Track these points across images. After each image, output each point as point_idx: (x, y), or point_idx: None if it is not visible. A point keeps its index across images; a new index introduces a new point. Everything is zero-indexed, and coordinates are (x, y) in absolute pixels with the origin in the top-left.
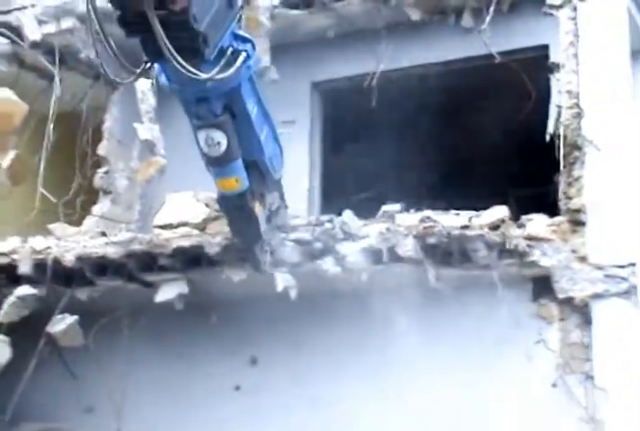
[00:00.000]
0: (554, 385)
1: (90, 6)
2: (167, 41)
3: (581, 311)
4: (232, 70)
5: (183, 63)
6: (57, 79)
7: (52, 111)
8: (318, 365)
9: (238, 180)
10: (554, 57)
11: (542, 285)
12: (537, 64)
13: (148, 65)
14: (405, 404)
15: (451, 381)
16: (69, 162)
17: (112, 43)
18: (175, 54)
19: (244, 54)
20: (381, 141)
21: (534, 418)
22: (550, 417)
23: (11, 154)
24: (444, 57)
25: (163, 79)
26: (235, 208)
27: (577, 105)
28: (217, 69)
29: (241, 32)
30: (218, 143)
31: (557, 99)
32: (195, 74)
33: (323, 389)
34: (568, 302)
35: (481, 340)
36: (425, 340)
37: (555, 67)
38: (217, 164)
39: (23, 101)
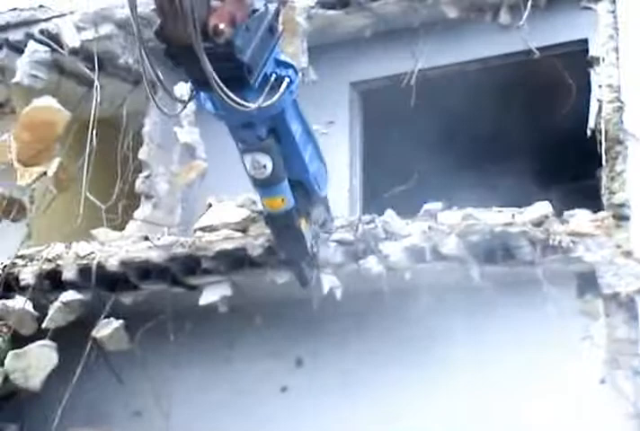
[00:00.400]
0: (602, 381)
1: (142, 50)
2: (214, 74)
3: (626, 306)
4: (276, 97)
5: (230, 94)
6: (96, 85)
7: (93, 118)
8: (363, 366)
9: (284, 200)
10: (593, 51)
11: (587, 281)
12: (577, 58)
13: (194, 93)
14: (451, 402)
15: (497, 379)
16: (110, 167)
17: (159, 73)
18: (223, 86)
19: (287, 80)
20: (421, 139)
21: (582, 415)
22: (598, 413)
23: (55, 162)
24: (482, 54)
25: (209, 106)
26: (281, 226)
27: (618, 99)
28: (262, 98)
29: (283, 57)
30: (264, 166)
31: (598, 93)
32: (242, 105)
33: (368, 389)
34: (614, 297)
35: (526, 338)
36: (470, 339)
37: (595, 61)
38: (264, 186)
39: (64, 108)
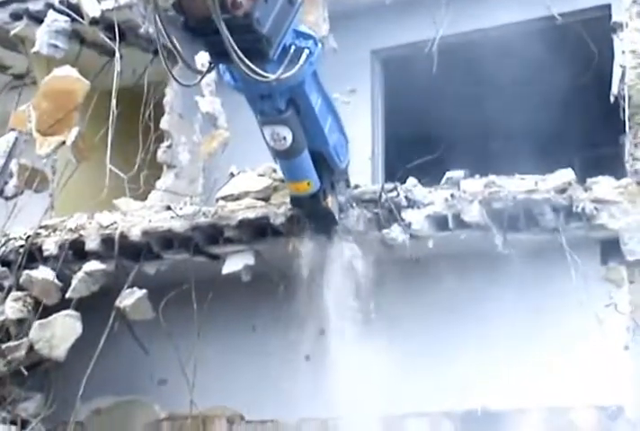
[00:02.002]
0: (626, 348)
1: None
2: (234, 45)
3: None
4: (296, 68)
5: (251, 65)
6: (117, 55)
7: (114, 87)
8: (386, 334)
9: (310, 184)
10: (616, 16)
11: (610, 248)
12: (600, 24)
13: (213, 65)
14: (470, 371)
15: (521, 346)
16: (132, 137)
17: (176, 43)
18: (243, 57)
19: (306, 51)
20: (442, 107)
21: (606, 381)
22: (622, 379)
23: (74, 131)
24: (504, 20)
25: (227, 78)
26: (308, 208)
27: None
28: (281, 69)
29: (302, 28)
30: (284, 137)
31: (621, 59)
32: (262, 76)
33: (389, 358)
34: (637, 264)
35: (551, 305)
36: (494, 307)
37: (618, 27)
38: (285, 158)
39: (85, 78)
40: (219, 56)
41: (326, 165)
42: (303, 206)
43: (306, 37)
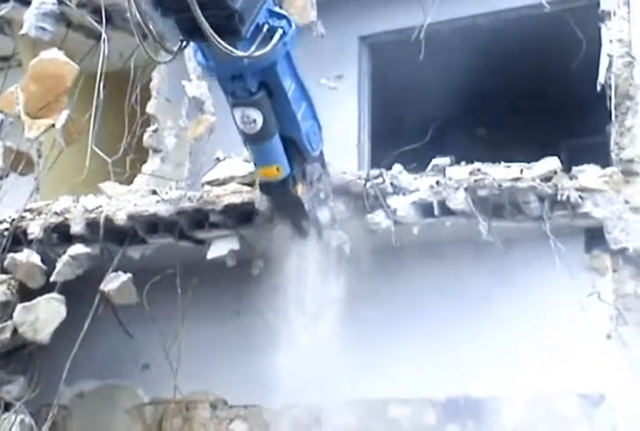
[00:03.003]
0: (608, 337)
1: None
2: (205, 21)
3: (634, 262)
4: (268, 47)
5: (222, 42)
6: (104, 38)
7: (101, 71)
8: (370, 319)
9: (279, 169)
10: (604, 4)
11: (595, 237)
12: (588, 12)
13: (184, 43)
14: (452, 359)
15: (504, 334)
16: (118, 121)
17: (147, 20)
18: (214, 33)
19: (280, 31)
20: (429, 94)
21: (588, 370)
22: (604, 368)
23: (64, 115)
24: (492, 7)
25: (199, 57)
26: (277, 194)
27: (629, 54)
28: (254, 47)
29: (277, 9)
30: (254, 120)
31: (608, 48)
32: (233, 52)
33: (372, 344)
34: (621, 253)
35: (534, 293)
36: (477, 294)
37: (606, 15)
38: (255, 142)
39: (72, 61)
40: (191, 33)
41: (297, 152)
42: (272, 192)
43: (280, 17)
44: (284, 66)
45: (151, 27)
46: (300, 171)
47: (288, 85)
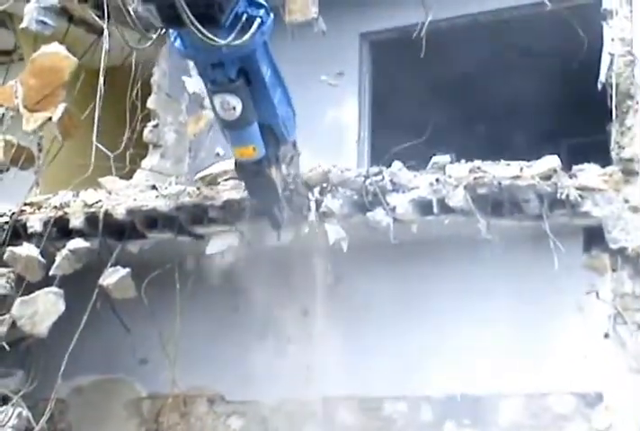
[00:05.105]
0: (606, 336)
1: None
2: (187, 9)
3: (633, 261)
4: (247, 36)
5: (202, 30)
6: (105, 33)
7: (102, 65)
8: (367, 316)
9: (255, 149)
10: (606, 3)
11: (594, 236)
12: (589, 11)
13: (164, 31)
14: (450, 356)
15: (502, 332)
16: (119, 116)
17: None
18: (195, 21)
19: (258, 20)
20: (430, 92)
21: (586, 369)
22: (602, 367)
23: (61, 108)
24: (493, 6)
25: (178, 44)
26: (252, 175)
27: (630, 53)
28: (232, 36)
29: None
30: (234, 107)
31: (610, 46)
32: (213, 40)
33: (369, 341)
34: (620, 252)
35: (532, 291)
36: (475, 292)
37: (608, 14)
38: (234, 128)
39: (73, 56)
40: (171, 20)
41: (274, 138)
42: (247, 172)
43: (259, 6)
44: (262, 54)
45: (131, 12)
46: (274, 155)
47: (265, 71)
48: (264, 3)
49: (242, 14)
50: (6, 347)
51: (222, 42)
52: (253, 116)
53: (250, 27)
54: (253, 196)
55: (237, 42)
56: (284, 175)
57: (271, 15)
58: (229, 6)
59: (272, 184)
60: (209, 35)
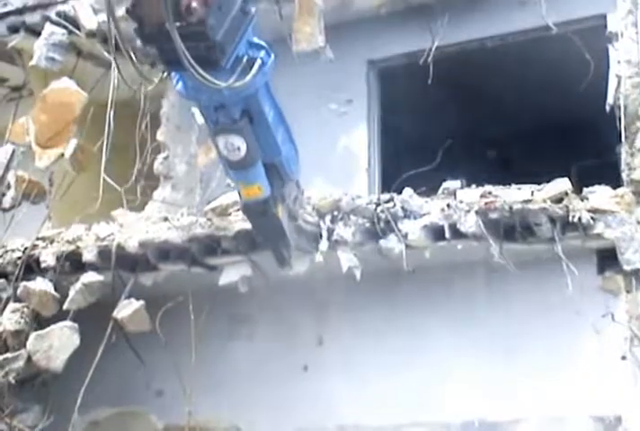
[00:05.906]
0: (623, 358)
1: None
2: (187, 52)
3: None
4: (248, 78)
5: (203, 73)
6: (114, 67)
7: (111, 99)
8: (383, 344)
9: (261, 188)
10: (612, 26)
11: (607, 258)
12: (595, 34)
13: (166, 74)
14: (468, 381)
15: (518, 356)
16: (129, 148)
17: (129, 49)
18: (195, 65)
19: (259, 61)
20: (439, 117)
21: (604, 391)
22: (620, 389)
23: (72, 143)
24: (500, 30)
25: (180, 87)
26: (259, 215)
27: (637, 74)
28: (234, 78)
29: (255, 40)
30: (238, 147)
31: (616, 69)
32: (213, 83)
33: (386, 369)
34: (634, 273)
35: (547, 314)
36: (491, 317)
37: (614, 37)
38: (239, 168)
39: (82, 90)
40: (172, 63)
41: (278, 177)
42: (254, 212)
43: (259, 47)
44: (264, 94)
45: (132, 55)
46: (280, 193)
47: (268, 111)
48: (264, 44)
49: (242, 56)
50: (22, 382)
51: (223, 84)
52: (257, 155)
53: (251, 68)
54: (259, 235)
55: (238, 84)
56: (292, 210)
57: (272, 56)
58: (230, 49)
59: (278, 223)
60: (210, 78)
